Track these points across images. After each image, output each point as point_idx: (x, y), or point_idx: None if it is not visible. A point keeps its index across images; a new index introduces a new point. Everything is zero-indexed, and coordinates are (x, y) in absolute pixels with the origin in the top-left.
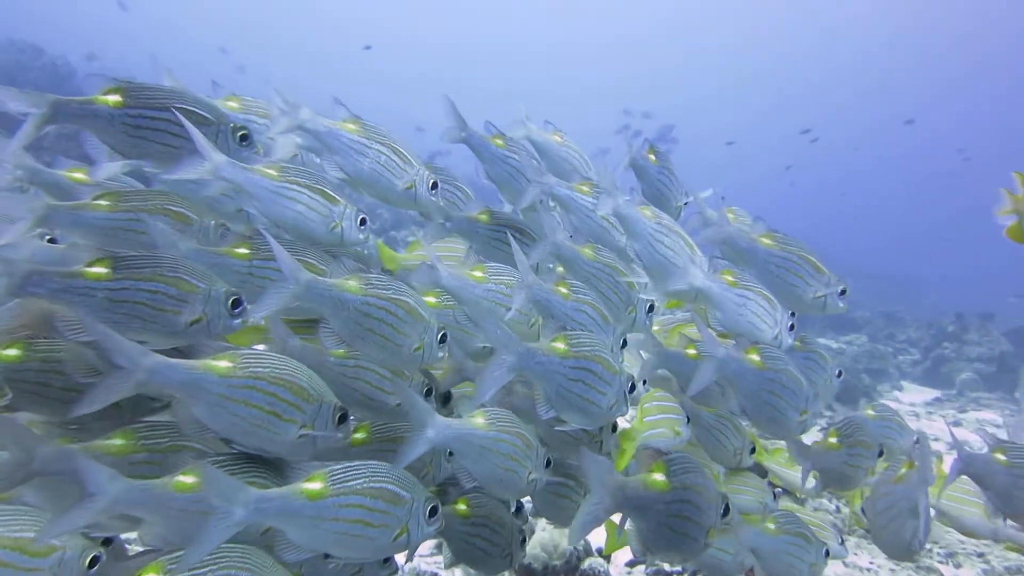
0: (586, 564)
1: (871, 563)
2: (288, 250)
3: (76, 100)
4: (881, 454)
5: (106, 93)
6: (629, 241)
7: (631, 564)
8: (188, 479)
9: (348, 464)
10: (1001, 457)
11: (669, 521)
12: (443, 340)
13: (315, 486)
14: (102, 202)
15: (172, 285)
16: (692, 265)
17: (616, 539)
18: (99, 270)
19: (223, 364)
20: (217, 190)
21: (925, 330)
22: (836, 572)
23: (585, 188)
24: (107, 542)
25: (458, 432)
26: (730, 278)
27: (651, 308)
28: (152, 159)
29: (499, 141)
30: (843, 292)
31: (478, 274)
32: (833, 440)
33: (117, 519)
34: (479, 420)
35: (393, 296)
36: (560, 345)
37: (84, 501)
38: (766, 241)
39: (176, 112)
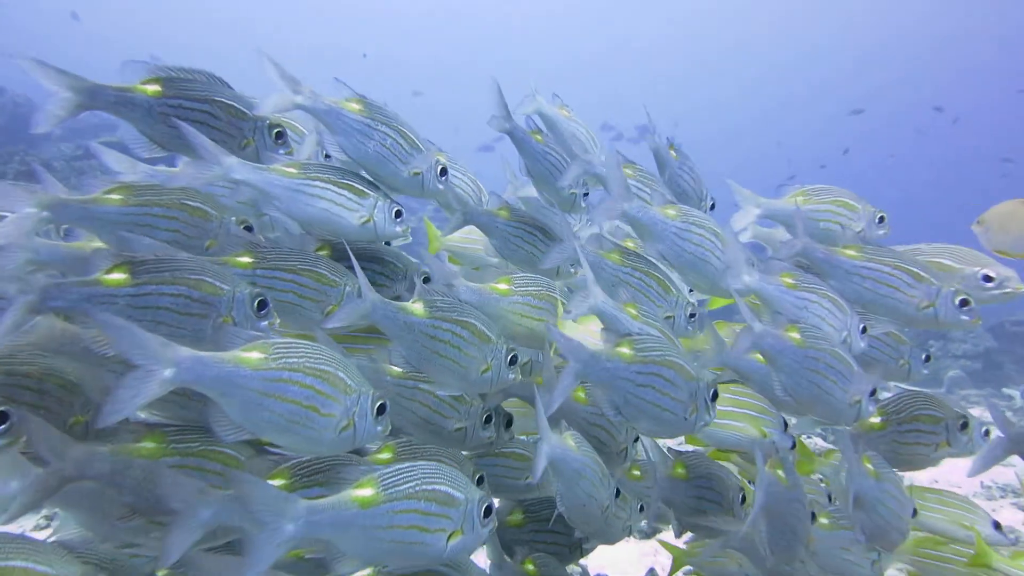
0: None
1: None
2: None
3: (113, 87)
4: None
5: (145, 83)
6: (649, 244)
7: None
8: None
9: (398, 467)
10: None
11: (791, 521)
12: (513, 362)
13: (366, 493)
14: (114, 196)
15: (195, 288)
16: (746, 265)
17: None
18: (118, 276)
19: (255, 355)
20: (241, 195)
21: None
22: None
23: (629, 171)
24: None
25: (564, 452)
26: (790, 280)
27: (692, 315)
28: (190, 151)
29: (539, 137)
30: (964, 303)
31: (503, 286)
32: (876, 420)
33: None
34: (571, 443)
35: (459, 319)
36: (626, 350)
37: (181, 520)
38: (850, 252)
39: (216, 106)
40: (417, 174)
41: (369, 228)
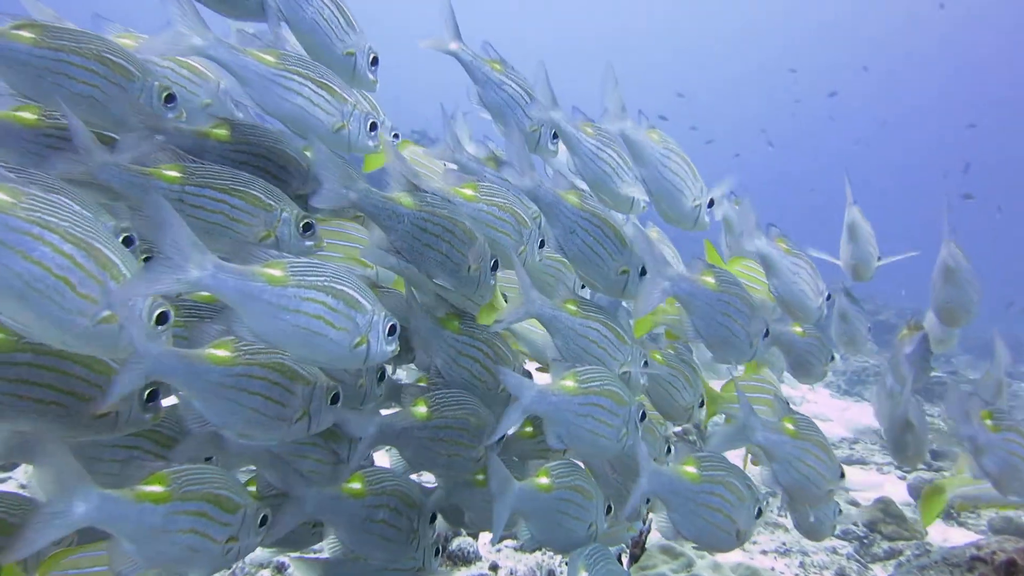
0: None
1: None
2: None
3: None
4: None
5: None
6: (637, 167)
7: None
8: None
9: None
10: None
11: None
12: (495, 268)
13: (276, 272)
14: (24, 33)
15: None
16: (756, 230)
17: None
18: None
19: (277, 272)
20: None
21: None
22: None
23: (589, 130)
24: None
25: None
26: (784, 245)
27: (644, 271)
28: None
29: (497, 66)
30: None
31: (468, 192)
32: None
33: None
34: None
35: (450, 215)
36: (570, 383)
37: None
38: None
39: None
40: (351, 54)
41: (343, 135)
